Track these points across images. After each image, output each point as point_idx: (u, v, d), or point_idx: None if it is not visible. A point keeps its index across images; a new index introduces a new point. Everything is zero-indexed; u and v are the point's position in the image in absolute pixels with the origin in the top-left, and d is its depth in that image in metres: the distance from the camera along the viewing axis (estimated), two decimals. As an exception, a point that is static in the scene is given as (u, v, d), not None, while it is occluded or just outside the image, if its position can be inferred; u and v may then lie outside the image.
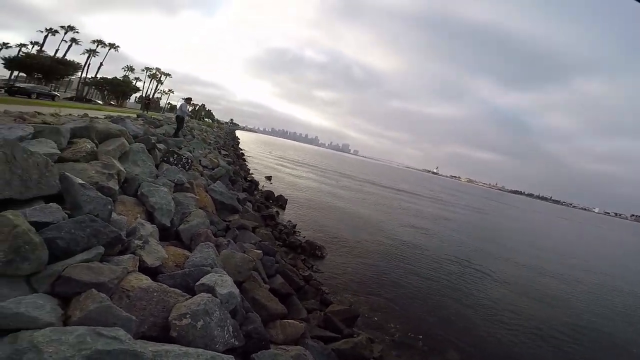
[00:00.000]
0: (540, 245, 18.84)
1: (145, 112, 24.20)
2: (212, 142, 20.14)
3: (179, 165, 6.57)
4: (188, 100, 12.50)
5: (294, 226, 10.06)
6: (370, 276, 7.47)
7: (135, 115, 13.65)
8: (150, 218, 3.72)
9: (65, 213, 2.45)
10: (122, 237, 2.45)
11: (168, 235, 3.93)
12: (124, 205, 3.56)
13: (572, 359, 5.68)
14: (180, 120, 11.74)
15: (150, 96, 64.63)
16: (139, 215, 3.50)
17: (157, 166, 5.88)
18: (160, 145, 6.99)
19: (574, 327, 7.08)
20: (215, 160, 11.58)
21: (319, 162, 57.60)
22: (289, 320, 3.65)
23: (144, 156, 5.11)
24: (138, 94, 64.59)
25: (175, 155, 6.77)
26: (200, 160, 10.10)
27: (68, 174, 2.65)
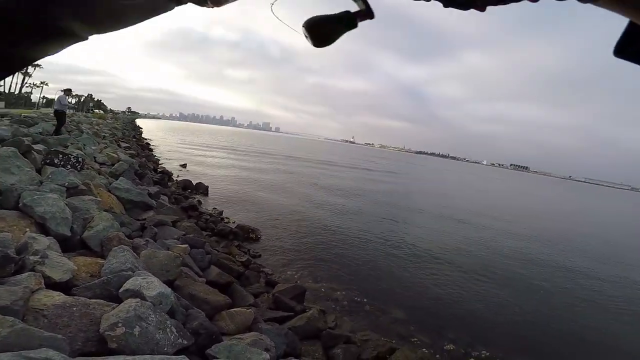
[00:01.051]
0: (456, 202, 22.19)
1: None
2: (107, 135, 17.48)
3: (68, 166, 5.67)
4: (67, 91, 10.64)
5: (221, 213, 9.76)
6: (308, 249, 7.68)
7: None
8: (44, 230, 3.25)
9: None
10: (11, 256, 2.13)
11: (72, 245, 3.49)
12: (4, 221, 3.01)
13: (493, 306, 6.12)
14: (60, 115, 9.97)
15: (9, 89, 51.33)
16: (27, 229, 3.02)
17: (38, 171, 4.98)
18: (39, 146, 5.89)
19: (494, 270, 8.01)
20: (114, 154, 10.22)
21: (237, 144, 55.32)
22: (235, 309, 3.59)
23: (18, 161, 4.27)
24: None
25: (61, 156, 5.79)
26: (94, 157, 8.81)
27: None
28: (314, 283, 5.94)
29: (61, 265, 2.52)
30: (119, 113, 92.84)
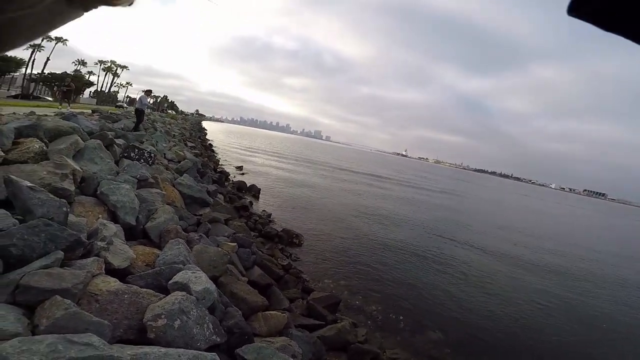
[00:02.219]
0: (515, 226, 20.16)
1: (67, 105, 16.33)
2: (176, 134, 19.27)
3: (142, 160, 6.26)
4: (148, 92, 11.98)
5: (269, 215, 10.01)
6: (348, 260, 7.56)
7: (90, 111, 12.71)
8: (114, 218, 3.56)
9: (16, 219, 2.28)
10: (82, 240, 2.33)
11: (135, 234, 3.78)
12: (83, 206, 3.36)
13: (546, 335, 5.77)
14: (139, 113, 11.21)
15: (100, 88, 59.95)
16: (100, 216, 3.33)
17: (117, 163, 5.57)
18: (120, 141, 6.61)
19: (558, 307, 7.24)
20: (181, 152, 11.14)
21: (291, 150, 57.17)
22: (271, 312, 3.61)
23: (102, 153, 4.81)
24: (92, 89, 60.01)
25: (137, 150, 6.43)
26: (164, 154, 9.68)
27: (13, 176, 2.45)
28: (349, 294, 5.84)
29: (122, 253, 2.70)
30: (188, 115, 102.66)
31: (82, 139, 4.66)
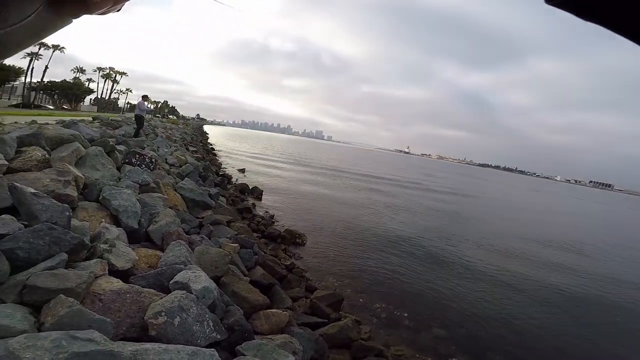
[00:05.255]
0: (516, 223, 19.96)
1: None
2: (177, 139, 19.44)
3: (143, 166, 6.37)
4: (145, 97, 12.08)
5: (272, 216, 10.08)
6: (351, 259, 7.57)
7: (90, 118, 12.87)
8: (116, 222, 3.65)
9: (22, 224, 2.38)
10: (85, 243, 2.42)
11: (137, 237, 3.87)
12: (86, 211, 3.46)
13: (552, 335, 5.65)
14: (139, 119, 11.31)
15: (101, 95, 60.47)
16: (103, 220, 3.42)
17: (118, 169, 5.67)
18: (121, 147, 6.72)
19: (561, 300, 7.21)
20: (183, 157, 11.27)
21: (292, 151, 57.27)
22: (272, 310, 3.65)
23: (103, 159, 4.91)
24: (93, 96, 60.59)
25: (138, 156, 6.55)
26: (166, 159, 9.80)
27: (17, 184, 2.54)
28: (353, 293, 5.82)
29: (125, 255, 2.78)
30: (189, 119, 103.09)
31: (83, 146, 4.76)
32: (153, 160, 6.91)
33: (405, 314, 5.29)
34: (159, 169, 7.38)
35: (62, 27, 0.33)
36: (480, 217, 17.55)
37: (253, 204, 10.99)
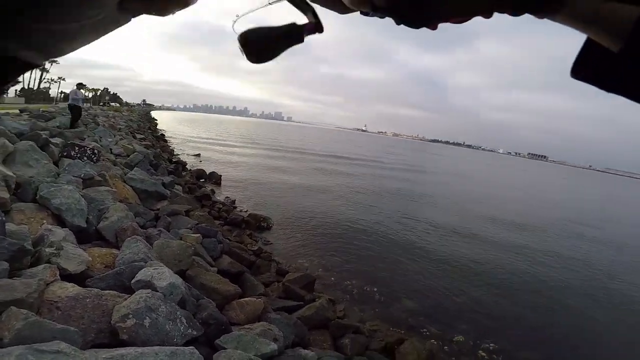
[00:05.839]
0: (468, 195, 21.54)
1: None
2: (122, 127, 17.86)
3: (84, 158, 5.83)
4: (79, 85, 10.96)
5: (233, 202, 9.86)
6: (319, 238, 7.61)
7: (17, 111, 11.28)
8: (60, 222, 3.36)
9: (-55, 235, 2.10)
10: (26, 248, 2.22)
11: (87, 236, 3.61)
12: (23, 214, 3.13)
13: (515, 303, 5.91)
14: (74, 108, 10.25)
15: (28, 85, 52.99)
16: (44, 221, 3.13)
17: (56, 163, 5.14)
18: (56, 140, 6.05)
19: (511, 267, 7.61)
20: (130, 146, 10.46)
21: (249, 134, 55.56)
22: (246, 299, 3.60)
23: (36, 155, 4.41)
24: (19, 87, 52.58)
25: (78, 148, 5.96)
26: (110, 149, 9.03)
27: None
28: (324, 272, 5.89)
29: (76, 257, 2.60)
30: (134, 106, 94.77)
31: (10, 141, 4.22)
32: (95, 151, 6.34)
33: (375, 289, 5.45)
34: (103, 160, 6.80)
35: (122, 25, 0.33)
36: (439, 194, 18.69)
37: (212, 190, 10.61)
